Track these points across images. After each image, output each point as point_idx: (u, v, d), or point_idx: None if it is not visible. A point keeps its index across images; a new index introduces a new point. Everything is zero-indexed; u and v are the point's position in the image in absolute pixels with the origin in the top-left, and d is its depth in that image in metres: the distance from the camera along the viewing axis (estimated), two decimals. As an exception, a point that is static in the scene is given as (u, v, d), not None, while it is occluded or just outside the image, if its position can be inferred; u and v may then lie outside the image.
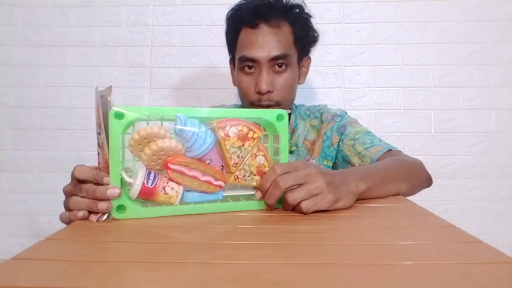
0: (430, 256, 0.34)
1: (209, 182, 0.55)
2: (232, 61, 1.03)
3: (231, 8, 0.96)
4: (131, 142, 0.52)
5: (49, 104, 1.51)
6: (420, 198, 0.76)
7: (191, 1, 1.51)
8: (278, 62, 0.90)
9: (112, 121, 0.50)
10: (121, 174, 0.51)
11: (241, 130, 0.57)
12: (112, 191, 0.50)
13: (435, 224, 0.46)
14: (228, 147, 0.56)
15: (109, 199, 0.50)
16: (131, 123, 0.52)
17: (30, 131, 1.51)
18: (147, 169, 0.53)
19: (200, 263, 0.33)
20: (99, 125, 0.53)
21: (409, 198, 0.67)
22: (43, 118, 1.51)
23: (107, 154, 0.51)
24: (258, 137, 0.58)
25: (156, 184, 0.53)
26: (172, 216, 0.54)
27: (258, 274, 0.30)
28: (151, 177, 0.53)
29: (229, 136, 0.56)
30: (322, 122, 1.04)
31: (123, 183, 0.53)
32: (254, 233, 0.44)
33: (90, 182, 0.53)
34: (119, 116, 0.50)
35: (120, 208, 0.52)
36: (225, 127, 0.56)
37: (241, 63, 0.93)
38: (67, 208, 0.54)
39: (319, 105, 1.10)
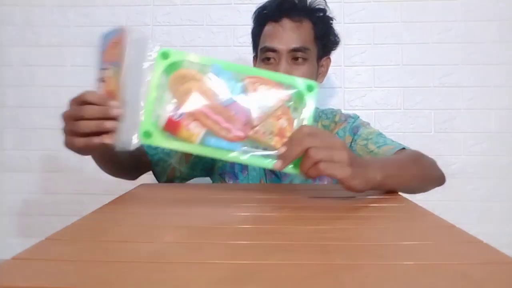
0: (430, 256, 0.34)
1: (229, 129, 0.58)
2: (255, 58, 1.07)
3: (257, 7, 1.02)
4: (171, 79, 0.58)
5: (49, 104, 1.51)
6: (420, 198, 0.76)
7: (191, 1, 1.51)
8: (297, 54, 0.94)
9: (158, 59, 0.57)
10: (153, 106, 0.57)
11: (270, 90, 0.60)
12: (118, 110, 0.56)
13: (435, 224, 0.46)
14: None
15: (114, 119, 0.56)
16: (173, 64, 0.58)
17: (30, 131, 1.51)
18: (176, 106, 0.58)
19: (200, 263, 0.33)
20: (108, 61, 0.61)
21: (409, 198, 0.67)
22: (43, 118, 1.51)
23: (113, 85, 0.59)
24: (284, 100, 0.60)
25: (181, 119, 0.57)
26: (172, 215, 0.54)
27: (258, 274, 0.30)
28: (179, 113, 0.58)
29: (257, 92, 0.60)
30: (335, 122, 1.05)
31: (152, 114, 0.57)
32: (254, 233, 0.44)
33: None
34: (165, 55, 0.57)
35: (147, 134, 0.56)
36: (255, 82, 0.59)
37: (262, 54, 0.97)
38: (74, 132, 0.59)
39: (332, 108, 1.12)
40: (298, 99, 0.62)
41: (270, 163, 0.59)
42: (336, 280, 0.29)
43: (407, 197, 0.67)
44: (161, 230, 0.46)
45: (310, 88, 0.62)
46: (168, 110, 0.57)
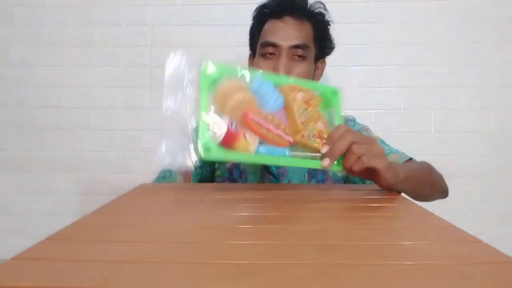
0: (430, 256, 0.34)
1: (281, 136, 0.61)
2: (251, 56, 1.07)
3: (258, 6, 1.02)
4: (217, 93, 0.59)
5: (49, 104, 1.51)
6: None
7: (191, 1, 1.51)
8: (298, 51, 0.94)
9: (203, 74, 0.59)
10: (207, 123, 0.58)
11: (305, 96, 0.64)
12: None
13: (436, 224, 0.46)
14: (296, 108, 0.62)
15: None
16: (218, 76, 0.60)
17: (30, 131, 1.51)
18: (229, 119, 0.59)
19: (201, 262, 0.33)
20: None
21: (410, 198, 0.67)
22: (43, 118, 1.51)
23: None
24: (317, 105, 0.65)
25: (238, 130, 0.59)
26: (172, 215, 0.54)
27: (259, 274, 0.30)
28: (234, 125, 0.59)
29: (296, 99, 0.63)
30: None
31: (208, 129, 0.58)
32: (254, 233, 0.44)
33: None
34: (209, 68, 0.60)
35: (207, 149, 0.57)
36: (294, 90, 0.63)
37: (263, 49, 0.96)
38: None
39: None
40: (325, 103, 0.69)
41: (317, 163, 0.63)
42: (336, 280, 0.29)
43: (407, 198, 0.67)
44: (162, 230, 0.46)
45: (334, 93, 0.70)
46: (224, 123, 0.58)
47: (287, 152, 0.62)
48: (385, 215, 0.54)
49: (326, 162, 0.62)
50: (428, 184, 0.81)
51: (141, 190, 0.73)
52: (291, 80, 0.66)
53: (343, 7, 1.48)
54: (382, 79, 1.46)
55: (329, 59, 1.47)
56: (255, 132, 0.60)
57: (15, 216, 1.50)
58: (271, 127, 0.60)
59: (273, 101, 0.62)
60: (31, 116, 1.51)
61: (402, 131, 1.45)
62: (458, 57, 1.43)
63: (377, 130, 1.44)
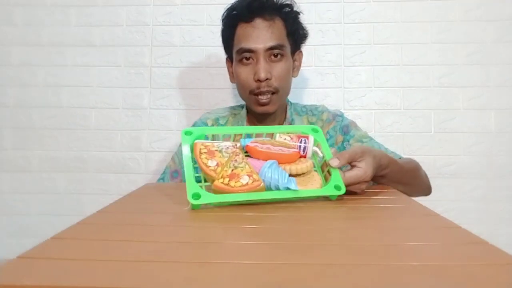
0: (435, 257, 0.34)
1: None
2: (229, 59, 1.09)
3: (226, 9, 1.03)
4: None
5: (49, 104, 1.50)
6: (420, 198, 0.76)
7: (191, 1, 1.51)
8: (274, 52, 0.96)
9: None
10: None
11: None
12: None
13: (441, 225, 0.46)
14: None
15: None
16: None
17: (30, 131, 1.50)
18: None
19: (203, 262, 0.33)
20: None
21: (414, 198, 0.67)
22: (43, 118, 1.50)
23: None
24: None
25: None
26: (175, 215, 0.54)
27: (261, 274, 0.30)
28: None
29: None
30: (322, 120, 1.06)
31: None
32: (257, 233, 0.44)
33: None
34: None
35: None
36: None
37: (239, 55, 0.98)
38: None
39: (316, 104, 1.14)
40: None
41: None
42: (340, 280, 0.29)
43: (411, 198, 0.67)
44: (164, 229, 0.46)
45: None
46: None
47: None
48: (390, 216, 0.54)
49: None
50: (411, 184, 0.85)
51: (145, 190, 0.73)
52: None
53: (343, 7, 1.48)
54: (382, 79, 1.46)
55: (329, 59, 1.47)
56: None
57: (15, 216, 1.50)
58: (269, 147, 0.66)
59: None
60: (31, 116, 1.50)
61: (402, 131, 1.45)
62: (458, 57, 1.44)
63: (377, 130, 1.45)
